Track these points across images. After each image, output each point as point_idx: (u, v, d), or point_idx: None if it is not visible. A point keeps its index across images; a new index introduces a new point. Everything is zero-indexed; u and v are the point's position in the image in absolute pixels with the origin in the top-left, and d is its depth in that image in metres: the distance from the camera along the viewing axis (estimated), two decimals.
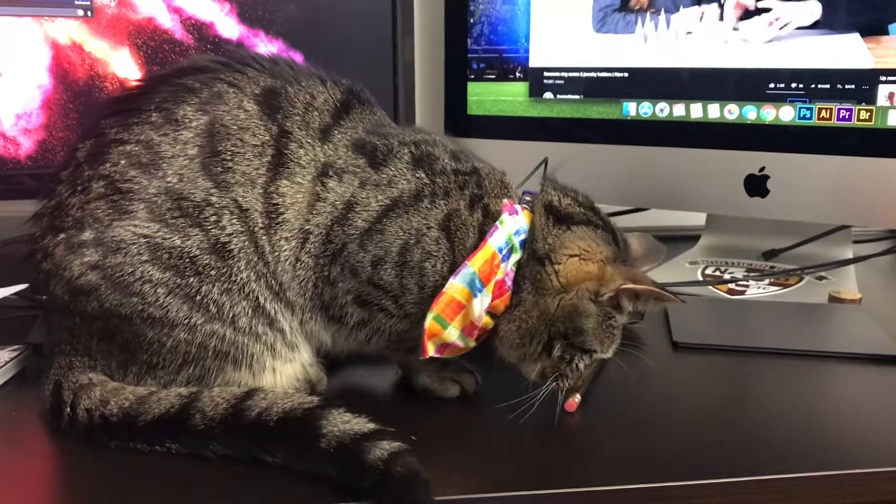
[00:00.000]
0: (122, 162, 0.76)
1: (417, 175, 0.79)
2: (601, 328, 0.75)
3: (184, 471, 0.68)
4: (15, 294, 0.96)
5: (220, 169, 0.77)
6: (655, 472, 0.66)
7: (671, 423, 0.76)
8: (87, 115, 1.18)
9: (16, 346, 0.89)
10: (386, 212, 0.78)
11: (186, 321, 0.74)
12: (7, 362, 0.85)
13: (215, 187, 0.76)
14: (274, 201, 0.77)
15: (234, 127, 0.78)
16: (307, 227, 0.78)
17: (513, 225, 0.77)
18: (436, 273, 0.77)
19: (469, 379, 0.81)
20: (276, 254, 0.77)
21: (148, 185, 0.75)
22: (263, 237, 0.77)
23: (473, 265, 0.74)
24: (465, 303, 0.74)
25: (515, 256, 0.77)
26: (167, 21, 1.20)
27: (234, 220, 0.76)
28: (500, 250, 0.75)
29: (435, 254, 0.77)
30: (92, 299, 0.74)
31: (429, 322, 0.74)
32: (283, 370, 0.79)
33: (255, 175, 0.77)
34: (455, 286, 0.74)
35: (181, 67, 0.83)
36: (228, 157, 0.77)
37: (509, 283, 0.76)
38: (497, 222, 0.76)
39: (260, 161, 0.78)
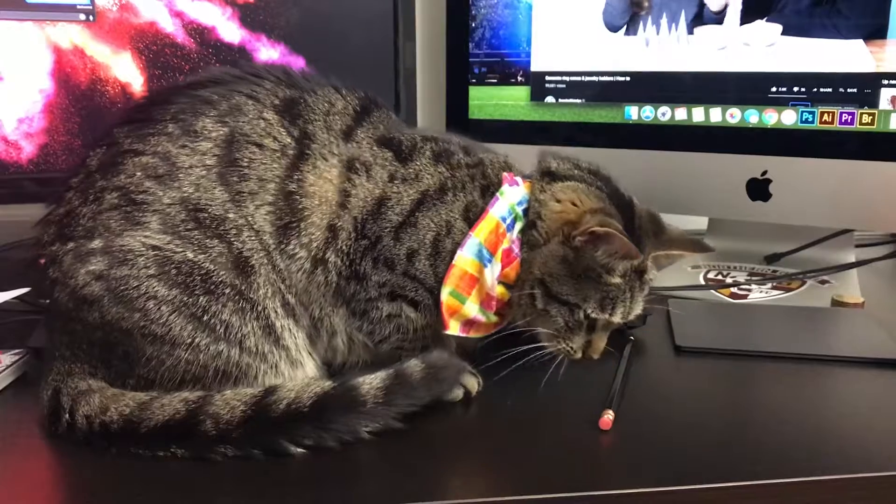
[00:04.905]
0: (138, 174, 0.76)
1: (439, 169, 0.83)
2: (583, 280, 0.79)
3: (187, 473, 0.67)
4: (16, 298, 0.96)
5: (236, 178, 0.77)
6: (658, 476, 0.66)
7: (674, 428, 0.75)
8: (90, 119, 1.19)
9: (17, 351, 0.89)
10: (417, 205, 0.80)
11: (190, 341, 0.74)
12: (8, 367, 0.85)
13: (230, 201, 0.76)
14: (300, 206, 0.78)
15: (255, 135, 0.78)
16: (338, 224, 0.79)
17: (514, 195, 0.82)
18: None
19: (472, 381, 0.81)
20: (289, 266, 0.78)
21: (163, 195, 0.75)
22: (275, 251, 0.77)
23: (478, 235, 0.79)
24: (477, 275, 0.79)
25: (520, 224, 0.82)
26: (169, 25, 1.20)
27: (252, 236, 0.76)
28: (504, 219, 0.80)
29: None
30: (94, 310, 0.74)
31: (445, 297, 0.79)
32: None
33: (272, 177, 0.78)
34: (464, 258, 0.79)
35: (196, 80, 0.84)
36: (245, 164, 0.77)
37: (517, 250, 0.81)
38: (498, 193, 0.81)
39: (279, 164, 0.78)
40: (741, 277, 1.21)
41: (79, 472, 0.70)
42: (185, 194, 0.75)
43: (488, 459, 0.70)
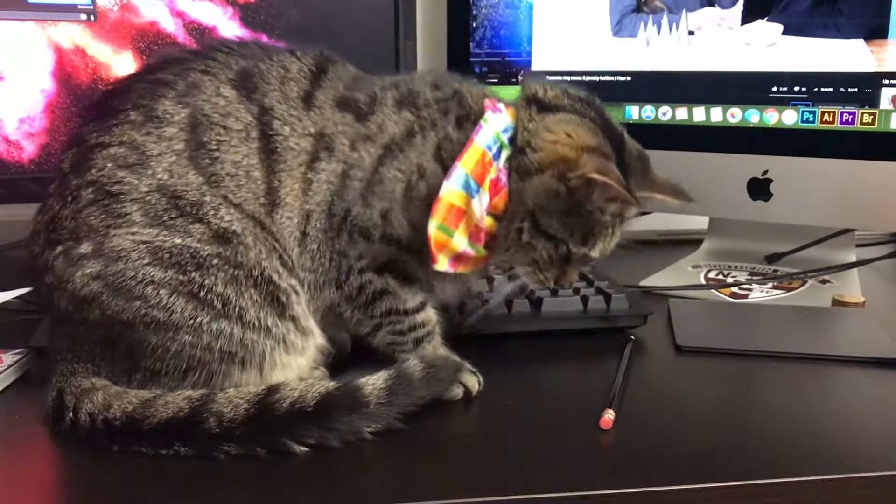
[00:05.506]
0: (109, 165, 0.76)
1: (404, 115, 0.81)
2: (573, 216, 0.78)
3: (189, 471, 0.67)
4: (17, 297, 0.96)
5: (207, 161, 0.76)
6: (658, 476, 0.66)
7: (674, 428, 0.75)
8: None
9: (18, 350, 0.89)
10: (381, 159, 0.79)
11: (191, 322, 0.73)
12: (10, 366, 0.85)
13: (205, 183, 0.76)
14: (272, 186, 0.78)
15: (216, 115, 0.78)
16: (308, 208, 0.79)
17: (499, 122, 0.79)
18: None
19: (472, 380, 0.81)
20: (281, 231, 0.78)
21: (139, 184, 0.75)
22: (266, 218, 0.77)
23: (464, 166, 0.76)
24: (464, 207, 0.77)
25: (506, 153, 0.79)
26: (170, 25, 1.20)
27: (231, 210, 0.76)
28: (490, 148, 0.78)
29: (438, 186, 0.78)
30: (94, 307, 0.74)
31: (433, 231, 0.76)
32: (296, 363, 0.78)
33: (248, 165, 0.77)
34: (451, 190, 0.76)
35: (152, 63, 0.83)
36: (214, 147, 0.77)
37: (504, 179, 0.79)
38: (481, 121, 0.79)
39: (248, 147, 0.78)
40: (742, 277, 1.21)
41: (81, 470, 0.70)
42: (161, 181, 0.75)
43: (488, 459, 0.70)
